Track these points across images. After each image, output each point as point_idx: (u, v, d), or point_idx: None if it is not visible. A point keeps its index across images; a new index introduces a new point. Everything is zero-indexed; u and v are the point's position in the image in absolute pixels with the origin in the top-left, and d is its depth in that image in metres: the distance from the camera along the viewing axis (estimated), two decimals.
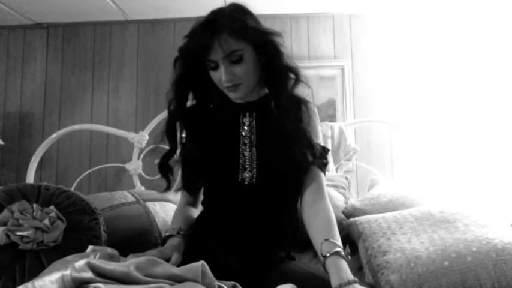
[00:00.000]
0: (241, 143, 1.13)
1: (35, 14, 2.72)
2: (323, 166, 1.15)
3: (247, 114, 1.17)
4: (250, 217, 1.11)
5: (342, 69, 2.74)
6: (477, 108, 2.55)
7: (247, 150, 1.12)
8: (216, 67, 1.08)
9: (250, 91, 1.14)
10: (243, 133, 1.14)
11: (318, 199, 1.09)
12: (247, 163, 1.10)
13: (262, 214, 1.11)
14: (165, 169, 1.19)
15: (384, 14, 2.76)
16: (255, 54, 1.09)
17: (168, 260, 1.01)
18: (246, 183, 1.10)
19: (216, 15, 1.07)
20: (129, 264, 0.78)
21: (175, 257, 1.02)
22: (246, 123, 1.16)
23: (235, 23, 1.05)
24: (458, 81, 2.64)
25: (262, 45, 1.09)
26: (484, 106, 2.54)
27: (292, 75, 1.13)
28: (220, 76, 1.08)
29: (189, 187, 1.23)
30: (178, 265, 0.93)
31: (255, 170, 1.10)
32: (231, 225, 1.11)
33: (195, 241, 1.13)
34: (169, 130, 1.18)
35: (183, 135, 1.21)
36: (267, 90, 1.19)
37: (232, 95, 1.12)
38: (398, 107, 2.68)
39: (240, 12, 1.09)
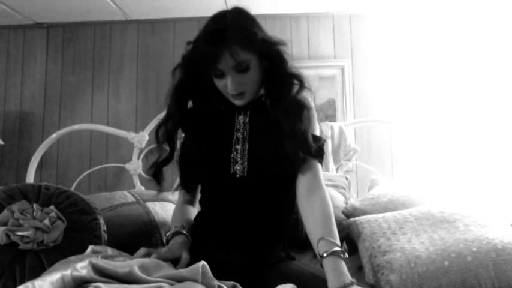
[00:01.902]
0: (234, 138, 1.16)
1: (35, 14, 2.72)
2: (319, 156, 1.13)
3: (242, 112, 1.20)
4: (244, 211, 1.12)
5: (342, 69, 2.74)
6: (477, 108, 2.55)
7: (240, 144, 1.14)
8: (221, 75, 1.09)
9: (253, 97, 1.16)
10: (236, 129, 1.17)
11: (313, 189, 1.08)
12: (239, 156, 1.13)
13: (256, 208, 1.12)
14: (157, 174, 1.22)
15: (384, 14, 2.76)
16: (260, 63, 1.11)
17: (178, 259, 1.02)
18: (237, 176, 1.12)
19: (222, 23, 1.07)
20: (132, 264, 0.78)
21: (184, 256, 1.04)
22: (241, 121, 1.18)
23: (244, 34, 1.06)
24: (458, 81, 2.64)
25: (268, 54, 1.11)
26: (484, 106, 2.54)
27: (296, 82, 1.14)
28: (226, 84, 1.10)
29: (187, 186, 1.25)
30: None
31: (246, 163, 1.12)
32: (227, 220, 1.13)
33: (194, 241, 1.14)
34: (168, 137, 1.20)
35: (182, 135, 1.24)
36: (262, 91, 1.20)
37: (237, 102, 1.14)
38: (398, 107, 2.67)
39: (246, 21, 1.10)
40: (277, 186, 1.15)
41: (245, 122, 1.18)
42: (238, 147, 1.14)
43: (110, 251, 0.96)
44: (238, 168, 1.12)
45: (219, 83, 1.12)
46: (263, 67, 1.13)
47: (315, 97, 1.22)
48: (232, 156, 1.13)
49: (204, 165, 1.17)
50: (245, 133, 1.16)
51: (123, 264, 0.78)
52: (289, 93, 1.14)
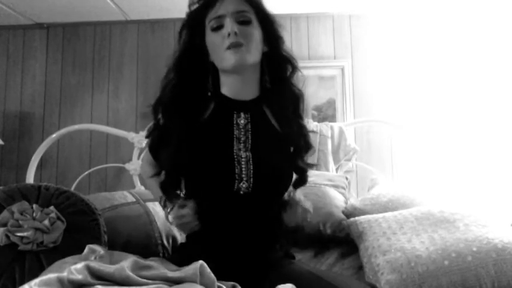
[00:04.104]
0: (236, 148, 1.05)
1: (35, 14, 2.72)
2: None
3: (242, 114, 1.09)
4: (246, 226, 1.05)
5: (342, 69, 2.74)
6: (477, 109, 2.55)
7: (242, 156, 1.04)
8: (219, 27, 1.04)
9: (248, 69, 1.08)
10: (237, 135, 1.07)
11: None
12: (244, 172, 1.03)
13: (258, 222, 1.07)
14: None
15: (383, 14, 2.76)
16: (260, 30, 1.08)
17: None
18: (241, 192, 1.02)
19: None
20: (124, 266, 0.78)
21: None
22: (241, 124, 1.08)
23: None
24: (458, 81, 2.63)
25: (266, 21, 1.09)
26: (484, 106, 2.54)
27: (289, 66, 1.13)
28: (223, 37, 1.03)
29: (172, 192, 1.08)
30: None
31: (251, 179, 1.02)
32: (225, 234, 1.05)
33: (190, 255, 1.08)
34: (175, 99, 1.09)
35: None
36: (258, 93, 1.13)
37: (232, 57, 1.03)
38: (398, 107, 2.67)
39: None
40: (279, 197, 1.12)
41: (246, 128, 1.08)
42: (242, 160, 1.03)
43: (103, 251, 0.95)
44: (243, 185, 1.02)
45: (215, 38, 1.05)
46: (262, 47, 1.10)
47: (305, 80, 1.18)
48: (236, 172, 1.02)
49: (202, 178, 1.05)
50: (247, 141, 1.06)
51: (118, 266, 0.78)
52: (285, 73, 1.12)
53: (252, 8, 1.08)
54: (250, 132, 1.07)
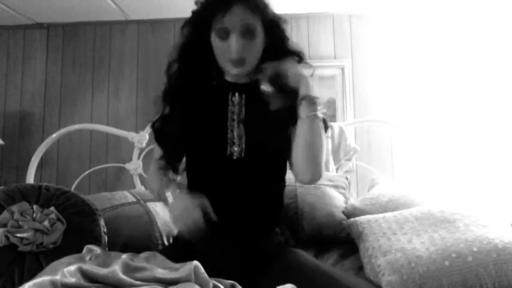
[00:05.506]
0: (230, 118, 1.12)
1: (35, 14, 2.72)
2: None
3: (237, 94, 1.15)
4: (240, 194, 1.10)
5: (342, 69, 2.74)
6: (477, 109, 2.55)
7: (236, 125, 1.11)
8: (225, 36, 1.07)
9: (250, 71, 1.14)
10: (232, 109, 1.13)
11: None
12: (236, 138, 1.09)
13: (252, 190, 1.11)
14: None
15: (384, 14, 2.76)
16: (263, 34, 1.11)
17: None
18: (234, 157, 1.08)
19: None
20: (116, 269, 0.77)
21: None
22: (236, 101, 1.14)
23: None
24: (458, 81, 2.63)
25: (271, 26, 1.12)
26: (484, 106, 2.54)
27: (296, 58, 1.17)
28: (228, 47, 1.07)
29: (174, 165, 1.17)
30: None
31: (243, 144, 1.08)
32: (221, 205, 1.06)
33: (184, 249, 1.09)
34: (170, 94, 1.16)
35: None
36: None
37: (235, 70, 1.10)
38: (398, 107, 2.67)
39: None
40: (273, 167, 1.15)
41: (240, 103, 1.14)
42: (235, 128, 1.10)
43: (100, 251, 0.95)
44: (235, 149, 1.08)
45: (220, 46, 1.09)
46: (265, 42, 1.12)
47: (314, 71, 1.21)
48: (228, 137, 1.09)
49: (197, 145, 1.12)
50: (241, 114, 1.12)
51: (111, 269, 0.78)
52: None
53: (258, 16, 1.09)
54: (244, 106, 1.14)
